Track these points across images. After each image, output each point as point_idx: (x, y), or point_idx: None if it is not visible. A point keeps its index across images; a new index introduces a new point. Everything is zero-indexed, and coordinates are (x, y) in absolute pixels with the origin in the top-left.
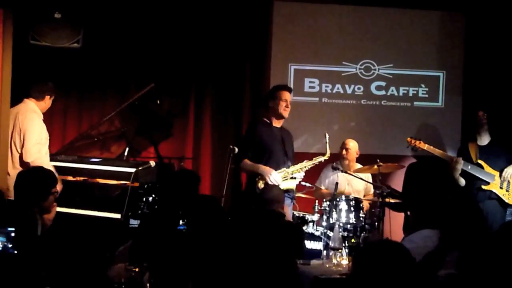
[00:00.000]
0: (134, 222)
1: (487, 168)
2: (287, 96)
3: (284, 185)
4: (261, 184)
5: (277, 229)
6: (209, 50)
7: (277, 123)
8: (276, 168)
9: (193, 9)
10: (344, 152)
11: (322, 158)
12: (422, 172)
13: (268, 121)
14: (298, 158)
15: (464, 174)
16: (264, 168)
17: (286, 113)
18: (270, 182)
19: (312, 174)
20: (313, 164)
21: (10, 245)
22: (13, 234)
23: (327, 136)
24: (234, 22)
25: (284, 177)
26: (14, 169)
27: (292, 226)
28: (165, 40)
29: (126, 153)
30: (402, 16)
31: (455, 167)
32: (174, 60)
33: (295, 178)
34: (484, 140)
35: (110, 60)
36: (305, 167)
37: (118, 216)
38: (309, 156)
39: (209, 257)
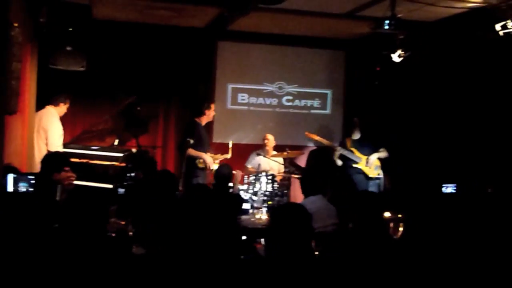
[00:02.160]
0: (121, 190)
1: (357, 153)
2: (214, 107)
3: (214, 167)
4: (201, 165)
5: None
6: (175, 73)
7: (204, 122)
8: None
9: (163, 46)
10: (265, 142)
11: (227, 156)
12: (315, 156)
13: (199, 121)
14: (234, 147)
15: (341, 156)
16: (206, 155)
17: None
18: (207, 165)
19: (243, 158)
20: (222, 157)
21: (31, 189)
22: (33, 182)
23: (231, 142)
24: (192, 55)
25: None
26: (39, 157)
27: (236, 195)
28: (145, 65)
29: (116, 143)
30: (304, 52)
31: (335, 152)
32: (150, 79)
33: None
34: (356, 136)
35: (106, 79)
36: (217, 158)
37: (110, 186)
38: (242, 147)
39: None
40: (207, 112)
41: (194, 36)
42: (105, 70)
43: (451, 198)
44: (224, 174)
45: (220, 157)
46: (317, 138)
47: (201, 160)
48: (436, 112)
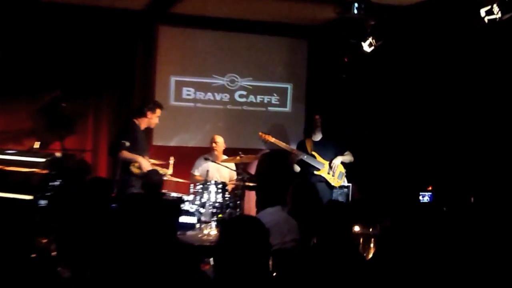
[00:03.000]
0: (42, 202)
1: (319, 158)
2: (160, 112)
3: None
4: (136, 170)
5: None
6: (107, 64)
7: (143, 126)
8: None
9: (94, 31)
10: (213, 145)
11: (167, 172)
12: (269, 161)
13: (138, 123)
14: (178, 151)
15: (301, 162)
16: (143, 159)
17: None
18: (144, 169)
19: (188, 163)
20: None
21: None
22: None
23: (172, 159)
24: (127, 43)
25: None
26: None
27: (173, 204)
28: (72, 54)
29: (37, 146)
30: (260, 40)
31: (294, 157)
32: (78, 70)
33: None
34: (318, 136)
35: (24, 69)
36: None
37: (30, 197)
38: (187, 150)
39: (102, 230)
40: (149, 114)
41: (130, 19)
42: (22, 59)
43: (429, 208)
44: (153, 182)
45: (159, 169)
46: (272, 140)
47: (136, 164)
48: (410, 111)
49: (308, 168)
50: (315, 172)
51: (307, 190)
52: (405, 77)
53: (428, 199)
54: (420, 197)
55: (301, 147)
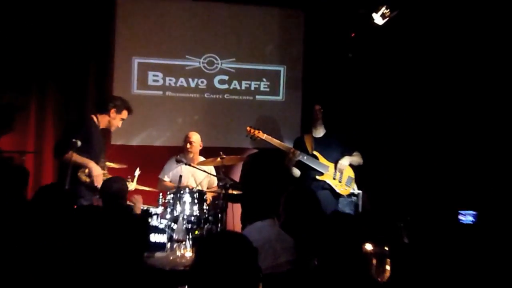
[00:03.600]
0: None
1: (322, 159)
2: (126, 115)
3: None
4: (84, 177)
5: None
6: (52, 46)
7: (102, 125)
8: (96, 162)
9: (34, 7)
10: (188, 144)
11: (130, 185)
12: (257, 164)
13: (96, 120)
14: (143, 152)
15: (299, 164)
16: (94, 165)
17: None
18: (94, 179)
19: (156, 167)
20: None
21: None
22: None
23: (138, 171)
24: (77, 18)
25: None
26: None
27: (138, 219)
28: (7, 33)
29: None
30: (244, 11)
31: (291, 158)
32: (15, 55)
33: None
34: (319, 132)
35: None
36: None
37: None
38: (154, 151)
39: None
40: (113, 113)
41: None
42: None
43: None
44: (112, 191)
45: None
46: (263, 136)
47: (86, 170)
48: (435, 100)
49: (308, 172)
50: (318, 177)
51: (305, 200)
52: (427, 56)
53: (472, 219)
54: (461, 217)
55: (299, 145)
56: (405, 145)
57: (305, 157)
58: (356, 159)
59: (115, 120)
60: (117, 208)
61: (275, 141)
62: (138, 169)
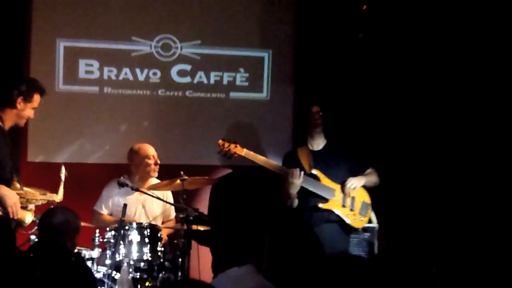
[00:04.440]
0: None
1: (325, 179)
2: (38, 101)
3: (27, 217)
4: None
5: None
6: None
7: (7, 124)
8: (7, 185)
9: None
10: (146, 161)
11: (55, 198)
12: (231, 188)
13: (1, 121)
14: (71, 172)
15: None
16: (5, 189)
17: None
18: (9, 209)
19: (90, 194)
20: (43, 201)
21: None
22: None
23: (64, 171)
24: None
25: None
26: None
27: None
28: None
29: None
30: None
31: (294, 183)
32: None
33: (27, 208)
34: (318, 143)
35: None
36: (35, 199)
37: None
38: (87, 170)
39: None
40: (20, 103)
41: None
42: None
43: None
44: (54, 225)
45: (40, 197)
46: (242, 153)
47: None
48: (473, 99)
49: (306, 199)
50: (321, 205)
51: (297, 238)
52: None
53: None
54: None
55: (291, 162)
56: (436, 160)
57: (302, 179)
58: (371, 178)
59: (24, 111)
60: (57, 250)
61: (261, 159)
62: (63, 167)
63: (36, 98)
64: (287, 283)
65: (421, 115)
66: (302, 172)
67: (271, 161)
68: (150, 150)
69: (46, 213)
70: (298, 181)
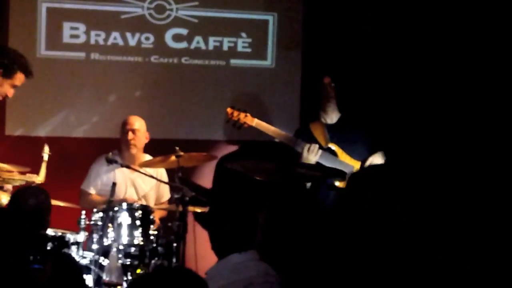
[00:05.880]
0: None
1: (343, 155)
2: (21, 80)
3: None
4: None
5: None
6: None
7: None
8: None
9: None
10: (128, 135)
11: (37, 178)
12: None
13: None
14: (55, 147)
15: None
16: None
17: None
18: None
19: (75, 172)
20: (22, 181)
21: None
22: None
23: (47, 151)
24: None
25: None
26: None
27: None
28: None
29: None
30: None
31: (307, 158)
32: None
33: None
34: (332, 117)
35: None
36: (13, 179)
37: None
38: (72, 144)
39: None
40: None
41: None
42: None
43: None
44: (30, 207)
45: (19, 177)
46: (253, 123)
47: None
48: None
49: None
50: (337, 184)
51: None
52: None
53: None
54: None
55: (303, 137)
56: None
57: (318, 154)
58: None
59: (2, 87)
60: (33, 237)
61: (273, 130)
62: (46, 146)
63: (19, 76)
64: (298, 269)
65: (443, 87)
66: (317, 147)
67: (284, 133)
68: (134, 122)
69: (17, 196)
70: (314, 157)
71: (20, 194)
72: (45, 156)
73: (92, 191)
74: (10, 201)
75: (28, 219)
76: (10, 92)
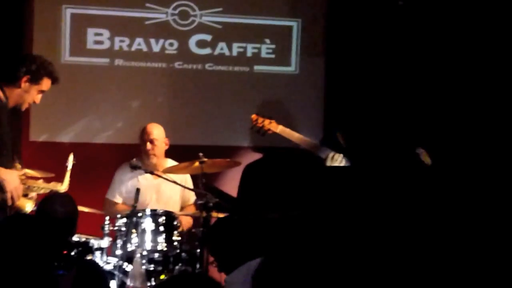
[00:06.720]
0: None
1: None
2: (47, 86)
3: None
4: None
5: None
6: None
7: (11, 103)
8: (7, 166)
9: None
10: (146, 145)
11: (60, 187)
12: (265, 175)
13: (2, 95)
14: (78, 154)
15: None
16: (5, 171)
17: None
18: (8, 195)
19: (99, 179)
20: (46, 190)
21: None
22: None
23: (72, 159)
24: None
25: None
26: None
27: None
28: None
29: None
30: None
31: (331, 166)
32: None
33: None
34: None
35: None
36: (37, 187)
37: None
38: (95, 151)
39: None
40: (25, 84)
41: None
42: None
43: None
44: (56, 216)
45: (43, 185)
46: (277, 129)
47: None
48: None
49: None
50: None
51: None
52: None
53: None
54: None
55: (330, 143)
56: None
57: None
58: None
59: (29, 93)
60: (59, 244)
61: (298, 137)
62: (71, 155)
63: (46, 82)
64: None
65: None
66: (341, 156)
67: (309, 140)
68: (153, 131)
69: (43, 205)
70: (337, 165)
71: (49, 201)
72: (70, 165)
73: (117, 199)
74: (39, 208)
75: (57, 227)
76: (38, 98)
